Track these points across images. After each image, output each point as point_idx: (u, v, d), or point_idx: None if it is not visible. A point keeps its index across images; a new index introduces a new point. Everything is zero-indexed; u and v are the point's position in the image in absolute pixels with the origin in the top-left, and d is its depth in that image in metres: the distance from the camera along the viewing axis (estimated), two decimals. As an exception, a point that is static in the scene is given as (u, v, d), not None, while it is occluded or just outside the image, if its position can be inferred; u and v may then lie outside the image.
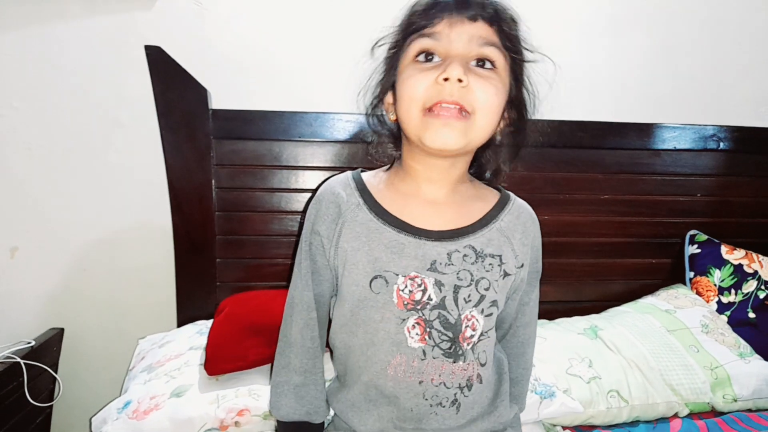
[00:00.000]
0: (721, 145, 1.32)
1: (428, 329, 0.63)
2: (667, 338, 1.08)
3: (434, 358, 0.64)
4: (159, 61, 1.10)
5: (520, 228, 0.70)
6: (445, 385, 0.65)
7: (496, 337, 0.73)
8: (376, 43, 0.70)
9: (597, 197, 1.30)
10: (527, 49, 0.66)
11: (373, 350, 0.65)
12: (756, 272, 1.25)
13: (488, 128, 0.63)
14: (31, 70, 1.12)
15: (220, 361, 0.92)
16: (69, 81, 1.14)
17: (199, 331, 1.10)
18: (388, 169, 0.73)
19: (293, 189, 1.20)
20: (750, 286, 1.24)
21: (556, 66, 0.69)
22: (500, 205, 0.71)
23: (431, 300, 0.63)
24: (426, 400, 0.64)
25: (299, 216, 1.21)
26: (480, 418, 0.68)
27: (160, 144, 1.14)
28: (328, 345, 0.73)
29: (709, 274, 1.27)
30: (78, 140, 1.16)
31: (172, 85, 1.11)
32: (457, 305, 0.64)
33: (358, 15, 1.16)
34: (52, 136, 1.16)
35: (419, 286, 0.63)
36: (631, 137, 1.28)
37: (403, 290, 0.63)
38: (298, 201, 1.21)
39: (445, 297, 0.63)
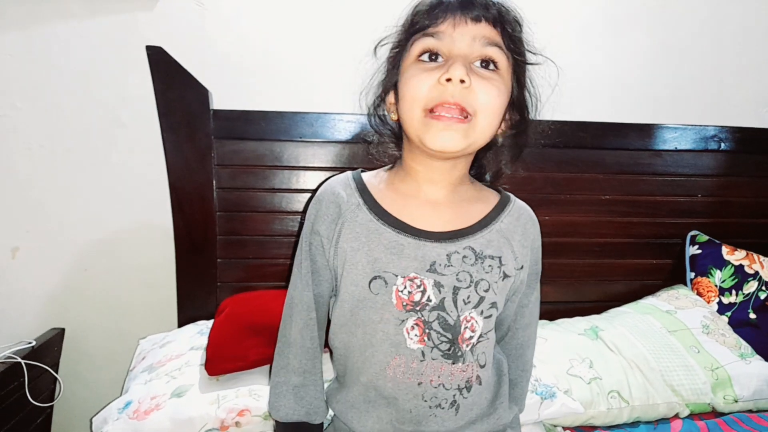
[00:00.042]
0: (722, 145, 1.32)
1: (427, 330, 0.63)
2: (668, 339, 1.08)
3: (433, 359, 0.63)
4: (160, 62, 1.10)
5: (520, 229, 0.70)
6: (444, 386, 0.64)
7: (495, 339, 0.72)
8: (378, 43, 0.70)
9: (598, 197, 1.30)
10: (530, 51, 0.66)
11: (372, 351, 0.65)
12: (757, 273, 1.25)
13: (490, 130, 0.63)
14: (33, 70, 1.13)
15: (221, 361, 0.92)
16: (70, 81, 1.14)
17: (200, 331, 1.10)
18: (388, 170, 0.73)
19: (294, 189, 1.20)
20: (751, 287, 1.24)
21: (558, 68, 0.69)
22: (500, 207, 0.70)
23: (430, 301, 0.63)
24: (425, 401, 0.64)
25: (300, 216, 1.21)
26: (479, 419, 0.68)
27: (161, 144, 1.14)
28: (327, 345, 0.73)
29: (709, 275, 1.27)
30: (79, 140, 1.17)
31: (173, 85, 1.11)
32: (456, 306, 0.64)
33: (360, 15, 1.16)
34: (53, 136, 1.16)
35: (418, 287, 0.63)
36: (631, 137, 1.28)
37: (402, 291, 0.63)
38: (299, 201, 1.21)
39: (444, 298, 0.63)
